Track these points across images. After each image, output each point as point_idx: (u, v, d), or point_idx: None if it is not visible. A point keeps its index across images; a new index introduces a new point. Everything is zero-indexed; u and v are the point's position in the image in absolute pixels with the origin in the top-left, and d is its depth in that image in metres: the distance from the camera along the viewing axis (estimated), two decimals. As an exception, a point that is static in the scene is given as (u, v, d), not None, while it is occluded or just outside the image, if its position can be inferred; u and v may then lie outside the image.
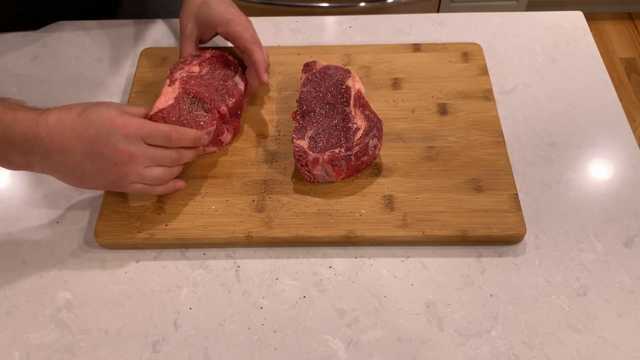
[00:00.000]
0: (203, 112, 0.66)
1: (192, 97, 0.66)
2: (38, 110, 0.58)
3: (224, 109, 0.67)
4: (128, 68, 0.81)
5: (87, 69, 0.81)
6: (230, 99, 0.68)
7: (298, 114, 0.69)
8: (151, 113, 0.64)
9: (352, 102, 0.68)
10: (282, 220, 0.64)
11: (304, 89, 0.70)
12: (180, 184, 0.64)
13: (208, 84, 0.69)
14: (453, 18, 0.87)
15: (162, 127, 0.60)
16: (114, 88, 0.79)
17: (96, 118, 0.57)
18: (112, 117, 0.57)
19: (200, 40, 0.76)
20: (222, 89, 0.69)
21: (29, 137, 0.55)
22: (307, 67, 0.72)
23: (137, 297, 0.61)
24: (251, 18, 0.87)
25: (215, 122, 0.66)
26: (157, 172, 0.60)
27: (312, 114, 0.68)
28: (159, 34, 0.86)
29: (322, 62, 0.72)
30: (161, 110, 0.64)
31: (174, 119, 0.64)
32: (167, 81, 0.68)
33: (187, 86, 0.67)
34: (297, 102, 0.69)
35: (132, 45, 0.84)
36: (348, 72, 0.71)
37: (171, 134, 0.60)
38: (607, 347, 0.57)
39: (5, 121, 0.55)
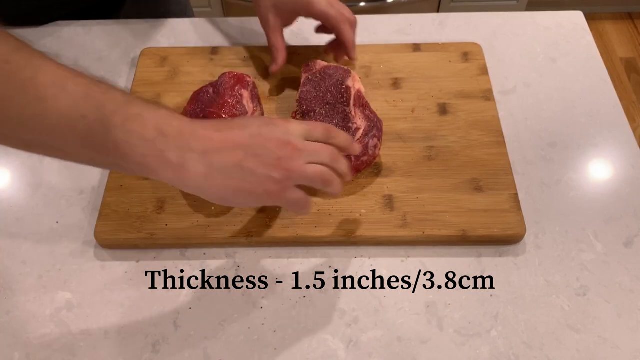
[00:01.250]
0: None
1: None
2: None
3: None
4: (128, 68, 0.81)
5: (87, 69, 0.81)
6: None
7: (298, 114, 0.68)
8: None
9: (352, 102, 0.68)
10: (282, 220, 0.64)
11: (304, 89, 0.70)
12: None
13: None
14: (453, 18, 0.87)
15: (321, 124, 0.55)
16: (114, 88, 0.79)
17: (253, 119, 0.53)
18: (269, 118, 0.54)
19: (285, 25, 0.75)
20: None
21: (186, 131, 0.48)
22: (307, 67, 0.72)
23: (137, 297, 0.61)
24: (250, 18, 0.88)
25: None
26: (319, 168, 0.53)
27: (312, 113, 0.68)
28: (159, 34, 0.86)
29: (322, 62, 0.72)
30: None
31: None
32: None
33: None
34: (297, 102, 0.69)
35: (132, 45, 0.84)
36: (348, 72, 0.71)
37: (329, 128, 0.55)
38: (607, 347, 0.57)
39: (160, 113, 0.48)
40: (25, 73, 0.42)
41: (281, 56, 0.74)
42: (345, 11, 0.71)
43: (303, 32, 0.86)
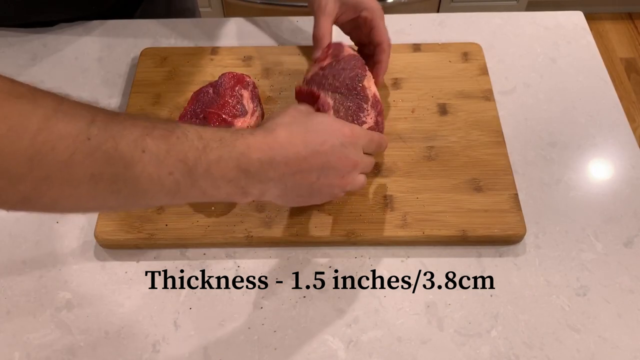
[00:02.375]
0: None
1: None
2: (260, 129, 0.52)
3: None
4: (128, 68, 0.81)
5: (87, 69, 0.81)
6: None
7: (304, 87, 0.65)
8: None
9: (370, 103, 0.65)
10: (282, 220, 0.64)
11: (321, 72, 0.67)
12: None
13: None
14: (453, 18, 0.87)
15: (375, 135, 0.61)
16: (114, 88, 0.79)
17: (326, 129, 0.54)
18: (339, 127, 0.55)
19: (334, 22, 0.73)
20: None
21: (265, 163, 0.49)
22: (336, 49, 0.69)
23: (137, 297, 0.61)
24: (251, 18, 0.88)
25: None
26: (362, 179, 0.59)
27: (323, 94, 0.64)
28: (159, 34, 0.86)
29: (349, 49, 0.69)
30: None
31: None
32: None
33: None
34: (306, 79, 0.67)
35: (132, 45, 0.84)
36: (364, 69, 0.67)
37: (381, 140, 0.61)
38: (607, 347, 0.57)
39: (238, 149, 0.48)
40: (107, 144, 0.41)
41: (323, 46, 0.71)
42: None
43: (303, 32, 0.86)
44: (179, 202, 0.48)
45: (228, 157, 0.48)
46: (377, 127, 0.66)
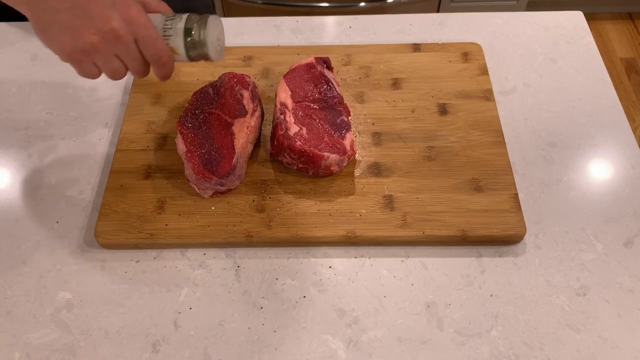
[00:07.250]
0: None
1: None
2: None
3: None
4: (128, 68, 0.81)
5: (87, 69, 0.81)
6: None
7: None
8: None
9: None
10: (282, 220, 0.64)
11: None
12: None
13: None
14: (453, 18, 0.87)
15: (160, 42, 0.54)
16: (114, 88, 0.79)
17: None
18: (128, 2, 0.52)
19: None
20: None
21: None
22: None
23: (137, 297, 0.61)
24: (251, 18, 0.88)
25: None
26: (118, 67, 0.54)
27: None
28: (159, 34, 0.86)
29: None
30: None
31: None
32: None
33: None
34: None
35: (132, 45, 0.84)
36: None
37: (164, 54, 0.54)
38: (607, 347, 0.57)
39: None
40: None
41: None
42: None
43: (303, 32, 0.86)
44: None
45: None
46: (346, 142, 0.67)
